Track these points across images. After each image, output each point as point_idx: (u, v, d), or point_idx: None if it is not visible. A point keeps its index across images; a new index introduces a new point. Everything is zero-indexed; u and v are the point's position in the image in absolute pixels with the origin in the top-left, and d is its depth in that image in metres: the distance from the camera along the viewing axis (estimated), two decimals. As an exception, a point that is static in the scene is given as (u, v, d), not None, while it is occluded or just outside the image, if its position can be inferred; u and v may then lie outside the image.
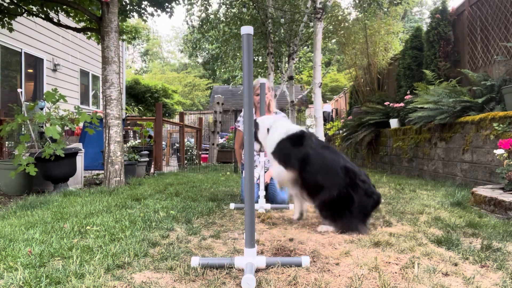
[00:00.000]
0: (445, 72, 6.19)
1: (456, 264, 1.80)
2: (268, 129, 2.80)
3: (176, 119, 17.87)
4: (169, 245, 2.15)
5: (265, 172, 3.51)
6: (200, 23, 11.27)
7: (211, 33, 12.29)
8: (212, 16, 11.32)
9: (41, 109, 5.50)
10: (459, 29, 6.28)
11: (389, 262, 1.84)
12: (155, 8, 7.01)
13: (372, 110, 7.72)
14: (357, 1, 9.55)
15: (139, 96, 18.11)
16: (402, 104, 6.59)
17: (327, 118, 16.12)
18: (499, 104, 4.57)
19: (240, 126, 3.94)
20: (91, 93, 12.44)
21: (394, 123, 6.92)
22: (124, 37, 8.74)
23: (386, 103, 7.37)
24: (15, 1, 5.52)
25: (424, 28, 7.15)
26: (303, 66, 18.39)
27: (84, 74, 12.01)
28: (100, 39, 5.13)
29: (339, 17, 10.95)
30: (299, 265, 1.80)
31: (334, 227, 2.44)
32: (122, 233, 2.37)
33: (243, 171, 3.76)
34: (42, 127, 4.77)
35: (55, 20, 5.73)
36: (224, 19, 11.61)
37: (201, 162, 10.78)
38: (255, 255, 1.76)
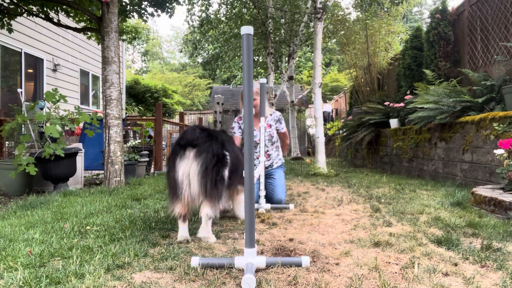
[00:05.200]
0: (445, 72, 6.18)
1: (456, 264, 1.80)
2: None
3: (176, 119, 17.87)
4: (169, 245, 2.15)
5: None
6: (200, 23, 11.28)
7: (211, 33, 12.31)
8: (212, 16, 11.33)
9: (41, 109, 5.50)
10: (459, 29, 6.27)
11: (389, 262, 1.84)
12: (155, 8, 7.01)
13: (372, 110, 7.72)
14: (358, 1, 9.56)
15: (139, 96, 18.10)
16: (402, 104, 6.59)
17: (327, 118, 16.12)
18: (499, 104, 4.57)
19: (236, 133, 3.72)
20: (91, 93, 12.44)
21: (394, 123, 6.92)
22: (124, 37, 8.74)
23: (386, 103, 7.37)
24: (15, 1, 5.52)
25: (424, 28, 7.15)
26: (303, 66, 18.38)
27: (84, 74, 12.01)
28: (100, 39, 5.13)
29: (340, 17, 10.95)
30: (299, 265, 1.80)
31: None
32: (122, 233, 2.37)
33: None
34: (42, 127, 4.77)
35: (55, 20, 5.73)
36: (224, 19, 11.62)
37: (201, 162, 10.74)
38: (255, 255, 1.76)
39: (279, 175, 3.72)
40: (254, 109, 3.55)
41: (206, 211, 2.24)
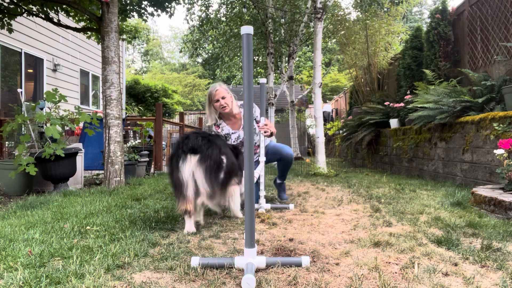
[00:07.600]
0: (445, 72, 6.18)
1: (456, 264, 1.80)
2: None
3: (176, 119, 17.86)
4: (169, 245, 2.15)
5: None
6: (200, 23, 11.27)
7: (211, 33, 12.30)
8: (212, 16, 11.33)
9: (41, 109, 5.49)
10: (459, 29, 6.27)
11: (389, 262, 1.84)
12: (155, 8, 7.01)
13: (372, 110, 7.72)
14: (358, 1, 9.56)
15: (139, 96, 18.11)
16: (402, 104, 6.59)
17: (327, 118, 16.11)
18: (499, 104, 4.57)
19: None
20: (91, 93, 12.43)
21: (394, 123, 6.92)
22: (124, 36, 8.74)
23: (386, 103, 7.37)
24: (15, 1, 5.52)
25: (424, 28, 7.15)
26: (303, 66, 18.35)
27: (84, 74, 12.01)
28: (100, 39, 5.13)
29: (340, 17, 10.95)
30: (299, 265, 1.80)
31: None
32: (122, 233, 2.37)
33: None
34: (42, 127, 4.77)
35: (55, 20, 5.73)
36: (224, 19, 11.61)
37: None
38: (255, 255, 1.76)
39: (272, 143, 3.70)
40: (224, 109, 3.29)
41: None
